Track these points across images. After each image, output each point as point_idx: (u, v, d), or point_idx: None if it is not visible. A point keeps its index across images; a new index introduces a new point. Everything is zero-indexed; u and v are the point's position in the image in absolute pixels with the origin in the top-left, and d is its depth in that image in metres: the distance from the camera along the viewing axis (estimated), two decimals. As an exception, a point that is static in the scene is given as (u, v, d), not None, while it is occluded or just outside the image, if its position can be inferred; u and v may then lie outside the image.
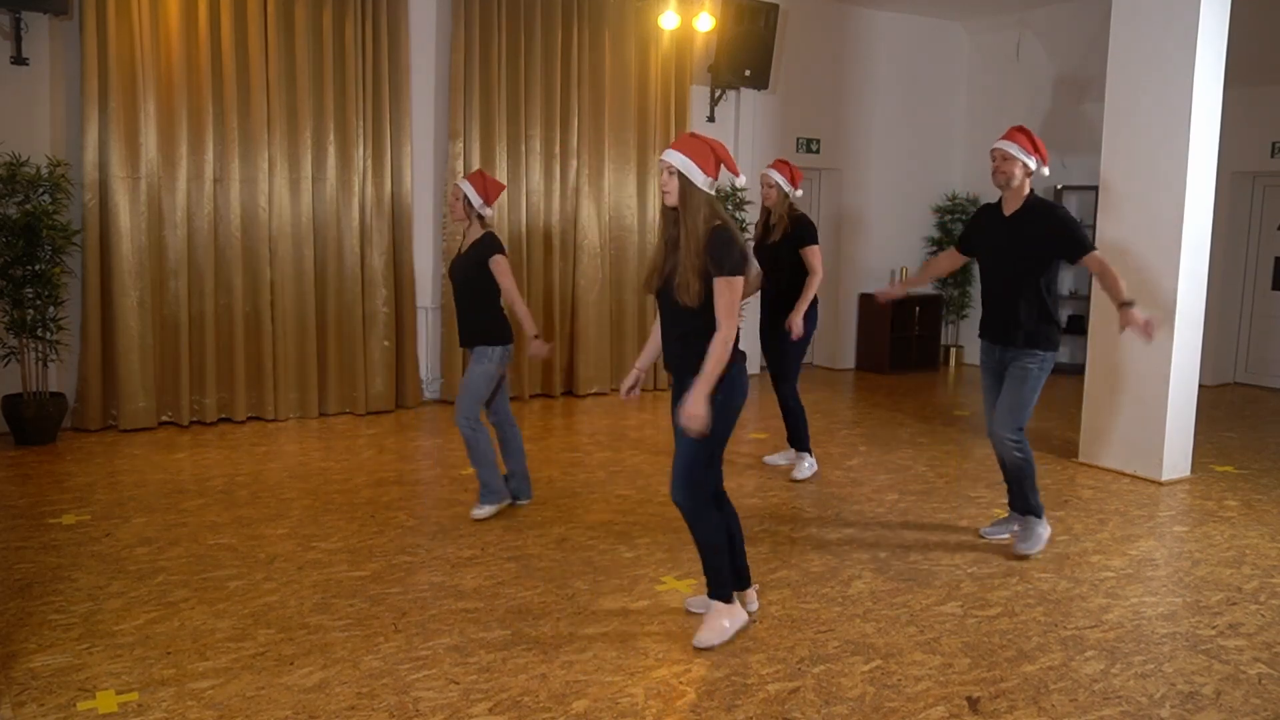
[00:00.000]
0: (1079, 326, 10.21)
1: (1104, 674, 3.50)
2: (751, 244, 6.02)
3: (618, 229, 8.53)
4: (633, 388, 3.89)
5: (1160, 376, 6.03)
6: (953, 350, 10.83)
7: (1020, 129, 4.53)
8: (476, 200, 4.93)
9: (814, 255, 5.74)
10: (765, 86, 9.08)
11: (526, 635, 3.69)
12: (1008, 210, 4.58)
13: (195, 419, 7.03)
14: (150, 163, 6.71)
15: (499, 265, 4.85)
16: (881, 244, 10.43)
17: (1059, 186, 10.39)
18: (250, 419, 7.19)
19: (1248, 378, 9.73)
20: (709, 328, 3.44)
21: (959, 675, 3.46)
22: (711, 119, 9.20)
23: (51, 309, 6.30)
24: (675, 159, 3.44)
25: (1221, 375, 9.69)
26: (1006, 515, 4.96)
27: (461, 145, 7.76)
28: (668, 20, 8.15)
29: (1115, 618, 3.99)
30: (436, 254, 7.92)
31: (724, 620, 3.68)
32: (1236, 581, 4.44)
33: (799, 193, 5.89)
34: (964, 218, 10.54)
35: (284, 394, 7.25)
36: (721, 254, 3.39)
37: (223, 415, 7.13)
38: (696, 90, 9.01)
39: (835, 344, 10.44)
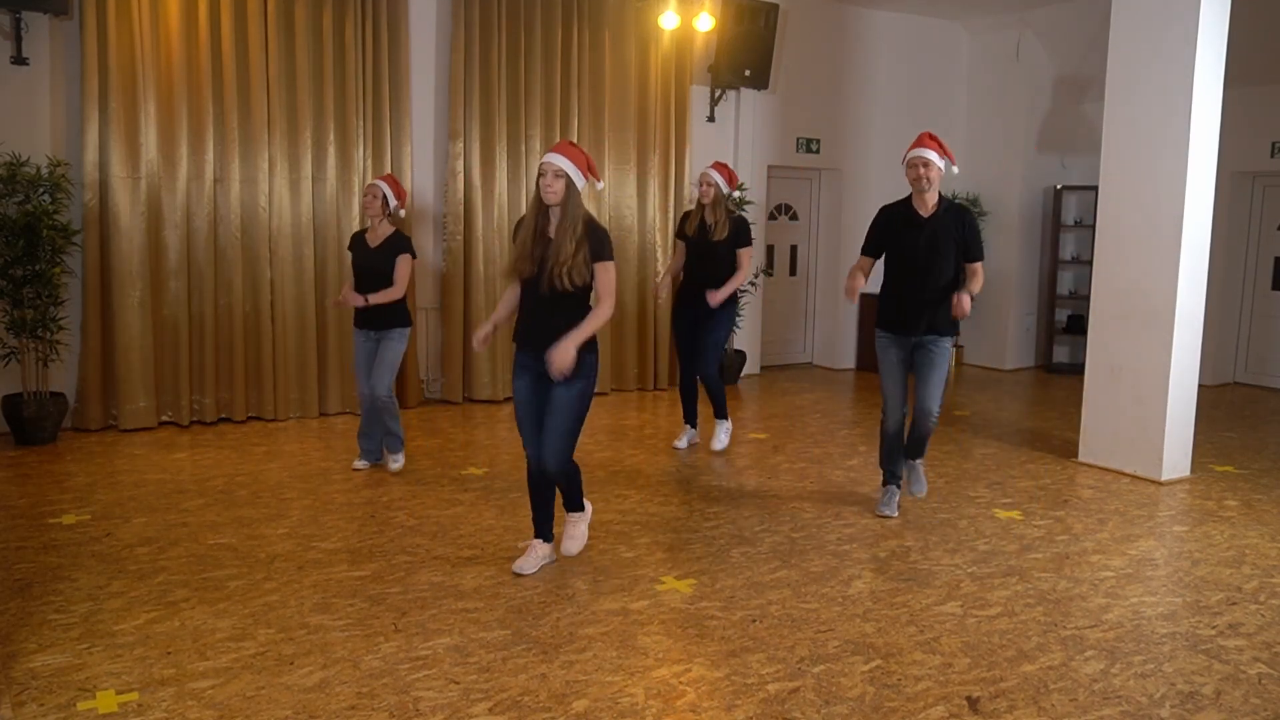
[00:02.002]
0: (1079, 326, 10.22)
1: (1104, 674, 3.50)
2: (674, 232, 6.71)
3: (617, 229, 8.53)
4: (486, 337, 4.24)
5: (1160, 376, 6.03)
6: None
7: (931, 135, 4.95)
8: (393, 201, 5.58)
9: (747, 256, 6.30)
10: (765, 86, 9.08)
11: (526, 635, 3.70)
12: (925, 211, 4.98)
13: (195, 419, 7.03)
14: (150, 163, 6.71)
15: (404, 262, 5.53)
16: (881, 244, 10.42)
17: (1059, 186, 10.40)
18: (250, 419, 7.19)
19: (1248, 378, 9.73)
20: (586, 308, 4.02)
21: (959, 675, 3.46)
22: (711, 119, 9.21)
23: (51, 309, 6.30)
24: (563, 163, 3.93)
25: (1221, 375, 9.70)
26: (888, 489, 5.35)
27: (461, 145, 7.76)
28: (668, 20, 8.15)
29: (1115, 618, 4.00)
30: (437, 254, 7.92)
31: (582, 525, 4.42)
32: (1236, 581, 4.44)
33: (735, 194, 6.16)
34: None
35: (284, 394, 7.25)
36: (601, 244, 3.98)
37: (223, 415, 7.13)
38: (696, 90, 9.01)
39: (835, 344, 10.44)
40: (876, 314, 5.20)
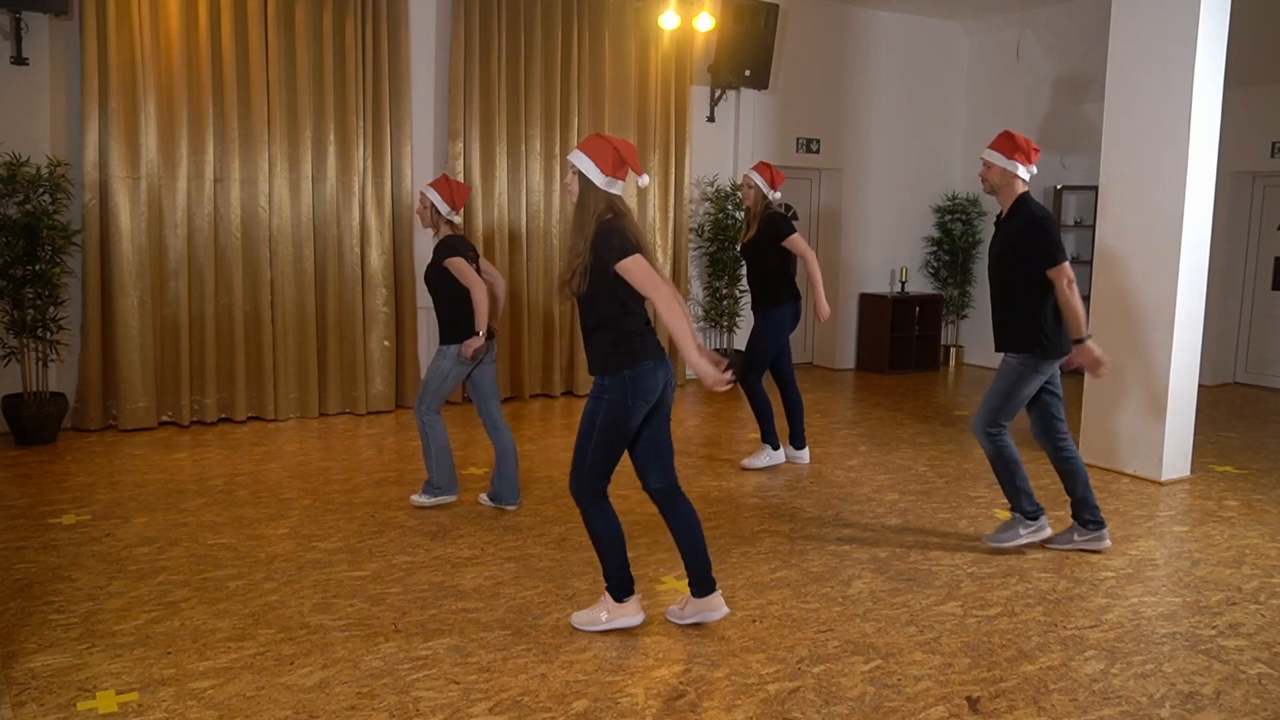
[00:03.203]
0: (1079, 326, 10.21)
1: (1104, 674, 3.50)
2: (738, 246, 6.13)
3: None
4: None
5: (1160, 376, 6.03)
6: (953, 350, 10.83)
7: (1005, 133, 4.59)
8: (444, 207, 5.00)
9: (796, 243, 5.87)
10: (765, 86, 9.09)
11: (526, 635, 3.70)
12: (1002, 215, 4.66)
13: (195, 419, 7.03)
14: (150, 163, 6.71)
15: (455, 265, 4.90)
16: (881, 244, 10.43)
17: (1059, 186, 10.39)
18: (250, 419, 7.19)
19: (1248, 378, 9.73)
20: (604, 322, 3.53)
21: (959, 675, 3.46)
22: (711, 119, 9.21)
23: (51, 309, 6.30)
24: (575, 158, 3.55)
25: (1221, 375, 9.69)
26: (1010, 518, 4.88)
27: (461, 145, 7.76)
28: (668, 20, 8.15)
29: (1115, 618, 3.99)
30: (436, 254, 7.92)
31: (602, 612, 3.73)
32: (1236, 581, 4.44)
33: (778, 194, 5.99)
34: (964, 218, 10.55)
35: (284, 394, 7.25)
36: (603, 246, 3.45)
37: (223, 415, 7.13)
38: (696, 90, 9.01)
39: (835, 344, 10.44)
40: None
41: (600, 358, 3.57)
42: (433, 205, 5.00)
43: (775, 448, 6.19)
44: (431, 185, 5.04)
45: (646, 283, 3.45)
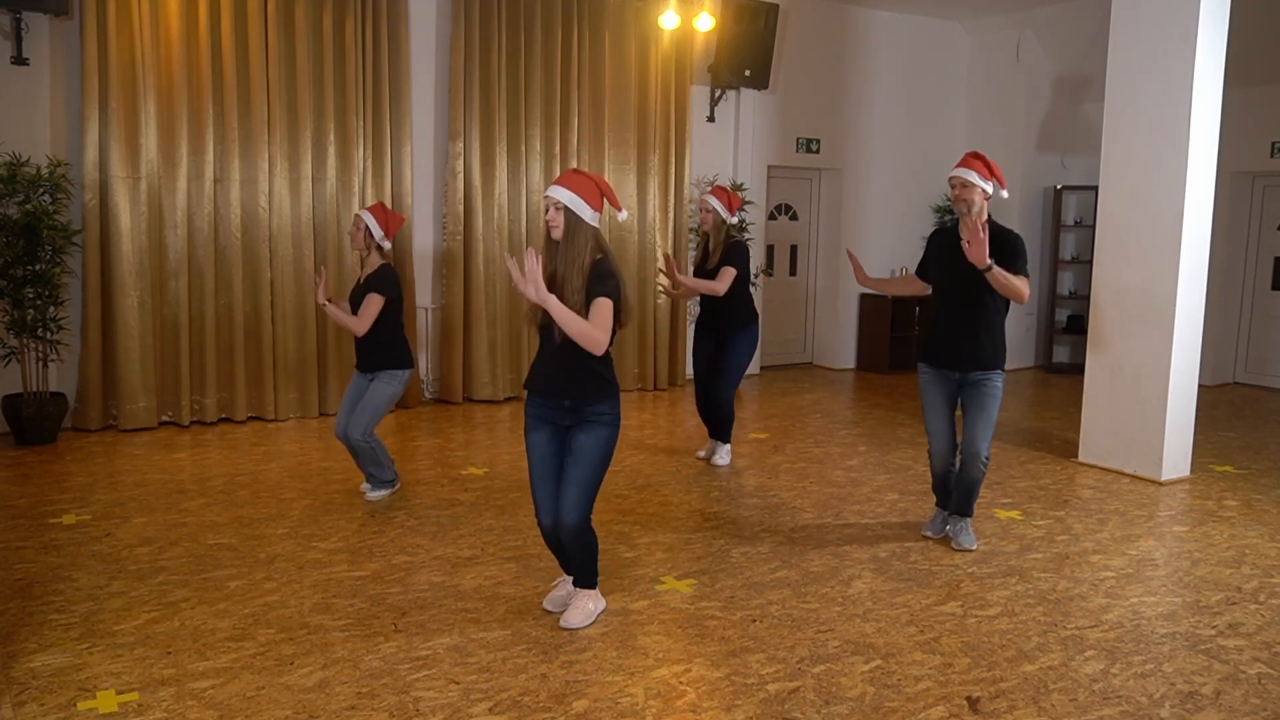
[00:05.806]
0: (1079, 326, 10.22)
1: (1104, 674, 3.50)
2: (691, 268, 6.28)
3: (617, 229, 8.53)
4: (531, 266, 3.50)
5: (1160, 376, 6.03)
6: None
7: (976, 155, 4.53)
8: (378, 232, 5.15)
9: (724, 275, 5.89)
10: (765, 86, 9.09)
11: (526, 635, 3.70)
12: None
13: (195, 419, 7.03)
14: (150, 163, 6.71)
15: (371, 301, 5.05)
16: (881, 244, 10.43)
17: (1059, 186, 10.40)
18: (250, 419, 7.19)
19: (1248, 378, 9.74)
20: (592, 356, 3.53)
21: (959, 675, 3.46)
22: (711, 119, 9.21)
23: (51, 309, 6.30)
24: (563, 195, 3.55)
25: (1221, 375, 9.70)
26: (939, 511, 4.99)
27: (461, 145, 7.77)
28: (668, 20, 8.15)
29: (1115, 618, 4.00)
30: (436, 254, 7.92)
31: (589, 604, 3.86)
32: (1236, 581, 4.44)
33: (735, 219, 6.04)
34: (964, 218, 10.54)
35: (284, 394, 7.25)
36: (597, 282, 3.51)
37: (223, 415, 7.13)
38: (696, 90, 9.01)
39: (835, 344, 10.44)
40: (919, 346, 4.86)
41: (586, 387, 3.59)
42: (367, 228, 5.14)
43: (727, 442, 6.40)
44: (368, 210, 5.18)
45: (601, 320, 3.47)
